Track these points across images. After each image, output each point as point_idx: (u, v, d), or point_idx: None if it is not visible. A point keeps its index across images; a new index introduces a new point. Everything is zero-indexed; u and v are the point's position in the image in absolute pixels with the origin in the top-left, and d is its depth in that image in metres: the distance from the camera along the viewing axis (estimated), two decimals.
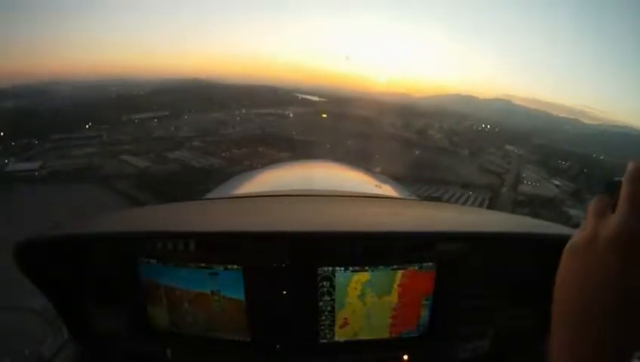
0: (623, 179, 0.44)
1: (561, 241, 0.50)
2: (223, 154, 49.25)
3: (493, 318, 1.13)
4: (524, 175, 54.49)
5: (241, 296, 1.06)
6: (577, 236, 0.48)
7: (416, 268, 1.06)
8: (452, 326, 1.13)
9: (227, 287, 1.06)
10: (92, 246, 1.09)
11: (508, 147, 73.74)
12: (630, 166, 0.44)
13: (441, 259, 1.07)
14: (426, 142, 72.46)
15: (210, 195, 2.26)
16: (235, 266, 1.04)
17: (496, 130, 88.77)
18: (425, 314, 1.12)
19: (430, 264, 1.07)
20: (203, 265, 1.05)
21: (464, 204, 41.70)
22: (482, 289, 1.11)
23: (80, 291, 1.12)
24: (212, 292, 1.07)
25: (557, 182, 49.99)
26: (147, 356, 1.15)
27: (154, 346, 1.13)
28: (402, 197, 2.21)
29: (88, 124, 55.60)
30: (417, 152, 63.94)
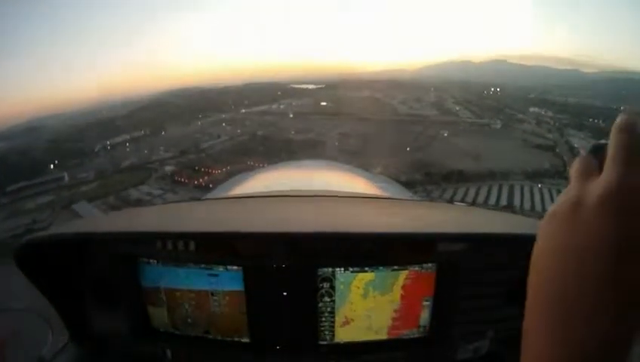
0: (608, 141, 0.39)
1: None
2: (200, 180, 40.69)
3: (493, 318, 1.12)
4: (575, 144, 46.61)
5: (241, 297, 1.06)
6: (560, 200, 0.40)
7: (417, 268, 1.06)
8: (452, 327, 1.12)
9: (227, 288, 1.06)
10: (92, 247, 1.09)
11: (532, 109, 66.26)
12: (620, 117, 0.39)
13: (441, 259, 1.06)
14: (448, 117, 63.76)
15: (210, 195, 2.28)
16: (235, 267, 1.04)
17: (507, 92, 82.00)
18: (425, 314, 1.11)
19: (430, 265, 1.06)
20: (203, 265, 1.04)
21: (542, 205, 33.29)
22: (482, 290, 1.11)
23: (80, 291, 1.12)
24: (212, 293, 1.07)
25: None
26: (147, 356, 1.14)
27: (154, 346, 1.13)
28: (402, 197, 2.17)
29: (54, 162, 47.37)
30: (446, 134, 54.91)
